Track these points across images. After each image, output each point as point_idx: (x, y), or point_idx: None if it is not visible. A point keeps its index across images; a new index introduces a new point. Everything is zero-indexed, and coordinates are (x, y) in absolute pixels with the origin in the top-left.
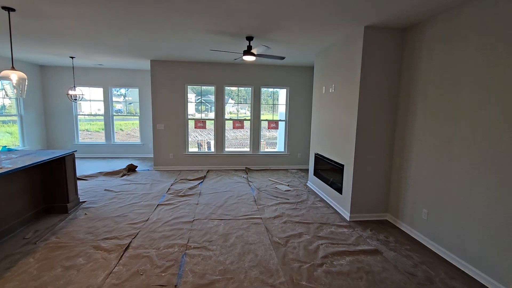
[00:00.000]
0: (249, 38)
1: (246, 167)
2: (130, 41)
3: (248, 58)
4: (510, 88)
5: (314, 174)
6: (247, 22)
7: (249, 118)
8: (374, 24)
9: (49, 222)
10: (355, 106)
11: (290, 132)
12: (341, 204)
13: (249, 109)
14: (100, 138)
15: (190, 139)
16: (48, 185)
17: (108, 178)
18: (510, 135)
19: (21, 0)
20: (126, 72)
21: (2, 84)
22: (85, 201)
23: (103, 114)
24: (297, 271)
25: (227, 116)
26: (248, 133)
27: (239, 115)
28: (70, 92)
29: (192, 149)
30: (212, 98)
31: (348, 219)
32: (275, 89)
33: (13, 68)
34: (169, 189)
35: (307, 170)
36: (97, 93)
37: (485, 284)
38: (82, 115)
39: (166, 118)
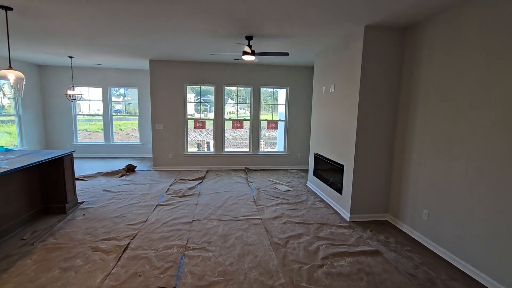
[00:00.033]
0: (249, 38)
1: (245, 167)
2: (129, 41)
3: (248, 58)
4: (510, 88)
5: (314, 174)
6: (247, 21)
7: (248, 118)
8: (374, 23)
9: (47, 223)
10: (355, 106)
11: (289, 132)
12: (341, 204)
13: (249, 109)
14: (100, 138)
15: (189, 139)
16: (46, 186)
17: (107, 178)
18: (510, 135)
19: None
20: (125, 72)
21: None
22: (83, 202)
23: (102, 114)
24: (297, 272)
25: (226, 116)
26: (248, 133)
27: (238, 115)
28: (69, 92)
29: (192, 149)
30: (211, 98)
31: (348, 220)
32: (274, 89)
33: (10, 68)
34: (168, 189)
35: (306, 170)
36: (96, 93)
37: (487, 286)
38: (81, 115)
39: (166, 118)
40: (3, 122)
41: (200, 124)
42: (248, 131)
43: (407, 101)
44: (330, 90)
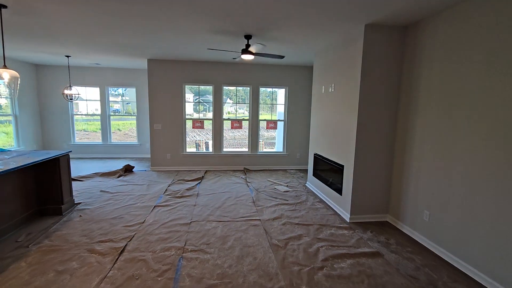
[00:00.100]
0: (248, 37)
1: (244, 168)
2: (127, 40)
3: (247, 57)
4: (510, 88)
5: (313, 175)
6: (246, 21)
7: (247, 118)
8: (374, 22)
9: (43, 225)
10: (355, 106)
11: (289, 132)
12: (341, 205)
13: (248, 109)
14: (98, 138)
15: (188, 139)
16: (42, 187)
17: (104, 179)
18: (510, 135)
19: None
20: (123, 72)
21: None
22: (80, 203)
23: (100, 114)
24: (297, 275)
25: (225, 116)
26: (247, 133)
27: (237, 115)
28: (66, 92)
29: (190, 149)
30: (210, 98)
31: (348, 221)
32: (273, 89)
33: (5, 67)
34: (166, 190)
35: (306, 171)
36: (94, 92)
37: (487, 287)
38: (78, 115)
39: (164, 118)
40: (0, 122)
41: (198, 124)
42: (247, 131)
43: (408, 101)
44: (330, 89)
